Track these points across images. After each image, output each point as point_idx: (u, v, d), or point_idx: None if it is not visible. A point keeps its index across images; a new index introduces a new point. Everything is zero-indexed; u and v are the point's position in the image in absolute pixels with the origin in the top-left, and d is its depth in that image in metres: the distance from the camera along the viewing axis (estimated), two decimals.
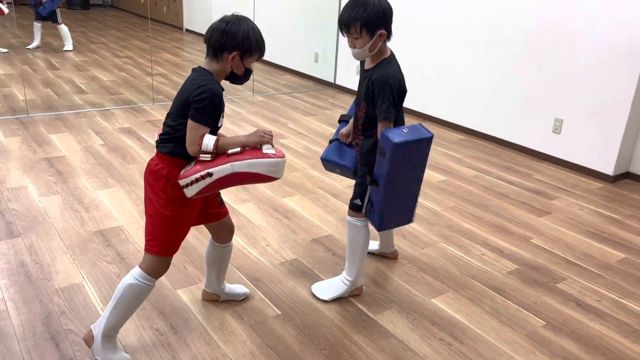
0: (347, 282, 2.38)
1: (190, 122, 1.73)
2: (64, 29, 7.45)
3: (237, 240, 2.85)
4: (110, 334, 1.92)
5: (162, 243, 1.85)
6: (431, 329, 2.24)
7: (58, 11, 7.27)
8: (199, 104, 1.72)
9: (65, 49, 7.53)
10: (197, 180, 1.74)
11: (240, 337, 2.12)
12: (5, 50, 7.07)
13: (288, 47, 7.15)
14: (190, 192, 1.77)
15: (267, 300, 2.36)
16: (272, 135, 1.82)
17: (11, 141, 4.05)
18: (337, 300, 2.39)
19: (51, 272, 2.45)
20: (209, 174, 1.73)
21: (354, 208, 2.30)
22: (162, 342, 2.05)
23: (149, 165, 1.86)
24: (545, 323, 2.33)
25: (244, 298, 2.35)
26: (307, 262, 2.69)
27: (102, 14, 11.80)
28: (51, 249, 2.63)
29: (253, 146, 1.78)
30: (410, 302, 2.42)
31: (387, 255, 2.77)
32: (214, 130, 1.81)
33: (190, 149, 1.75)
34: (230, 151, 1.74)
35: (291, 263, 2.67)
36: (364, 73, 2.21)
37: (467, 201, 3.52)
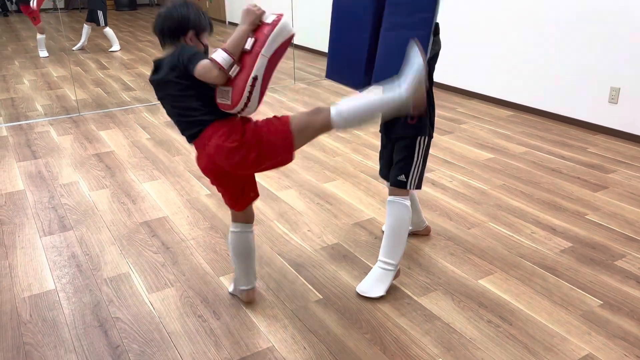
0: (392, 268, 2.25)
1: (196, 72, 1.72)
2: (109, 31, 7.67)
3: (278, 226, 2.85)
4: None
5: (290, 135, 1.83)
6: (478, 311, 2.16)
7: (101, 14, 7.48)
8: (185, 55, 1.73)
9: (112, 49, 7.76)
10: (250, 92, 1.73)
11: (282, 322, 2.11)
12: (47, 54, 7.34)
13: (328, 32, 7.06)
14: (252, 105, 1.76)
15: (309, 285, 2.34)
16: (256, 5, 1.79)
17: (64, 139, 4.21)
18: None
19: (100, 263, 2.53)
20: (255, 78, 1.72)
21: (399, 185, 2.21)
22: (204, 329, 2.08)
23: (202, 155, 1.87)
24: (602, 302, 2.20)
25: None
26: (348, 246, 2.65)
27: (149, 13, 12.09)
28: (100, 241, 2.72)
29: (255, 25, 1.75)
30: (456, 283, 2.34)
31: (420, 233, 2.69)
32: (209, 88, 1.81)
33: (217, 79, 1.71)
34: (247, 46, 1.72)
35: (332, 247, 2.64)
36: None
37: (516, 179, 3.37)
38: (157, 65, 1.85)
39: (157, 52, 7.75)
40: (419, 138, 2.17)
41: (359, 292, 2.26)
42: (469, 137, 4.09)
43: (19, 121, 4.66)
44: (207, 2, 10.47)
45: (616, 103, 4.00)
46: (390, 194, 2.25)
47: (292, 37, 1.78)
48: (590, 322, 2.09)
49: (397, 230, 2.23)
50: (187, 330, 2.07)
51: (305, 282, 2.37)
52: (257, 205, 3.08)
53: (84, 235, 2.77)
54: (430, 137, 2.22)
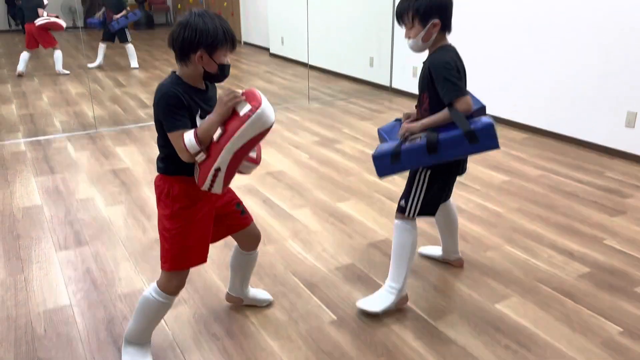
0: (394, 291, 2.24)
1: (168, 135, 1.67)
2: (131, 47, 7.81)
3: (292, 245, 2.84)
4: (131, 339, 1.94)
5: (171, 258, 1.82)
6: (495, 336, 2.13)
7: (127, 31, 7.64)
8: (160, 112, 1.66)
9: (132, 66, 7.88)
10: (213, 179, 1.68)
11: (295, 342, 2.09)
12: (67, 72, 7.47)
13: (342, 53, 7.14)
14: (217, 189, 1.71)
15: (323, 306, 2.32)
16: (234, 92, 1.64)
17: (81, 155, 4.26)
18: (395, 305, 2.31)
19: (114, 279, 2.53)
20: (218, 169, 1.66)
21: (399, 209, 2.23)
22: (218, 347, 2.06)
23: (154, 182, 1.85)
24: (622, 330, 2.16)
25: (268, 304, 2.32)
26: (363, 266, 2.63)
27: (166, 32, 12.25)
28: (115, 257, 2.73)
29: (228, 115, 1.64)
30: (473, 307, 2.31)
31: (451, 263, 2.64)
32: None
33: (182, 156, 1.67)
34: (215, 136, 1.63)
35: (347, 268, 2.62)
36: (423, 65, 2.15)
37: (532, 202, 3.34)
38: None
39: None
40: (420, 168, 2.17)
41: (357, 304, 2.28)
42: (483, 159, 4.07)
43: (37, 136, 4.72)
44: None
45: (633, 127, 3.97)
46: (395, 217, 2.26)
47: (268, 129, 1.64)
48: (611, 349, 2.04)
49: (397, 253, 2.22)
50: (201, 349, 2.06)
51: (319, 302, 2.35)
52: (271, 223, 3.07)
53: (99, 251, 2.78)
54: (437, 171, 2.14)
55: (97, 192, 3.54)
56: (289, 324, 2.20)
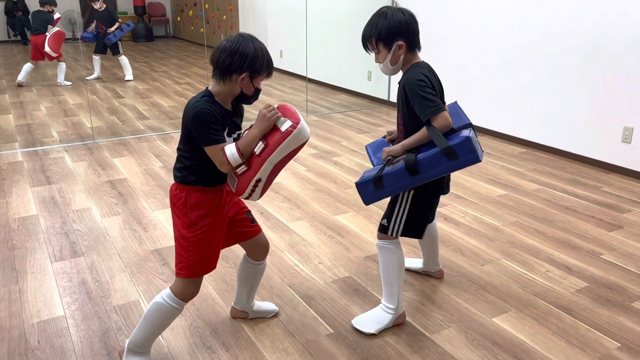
0: (391, 311, 2.22)
1: (205, 149, 1.74)
2: (124, 59, 7.81)
3: (289, 257, 2.83)
4: (134, 347, 1.93)
5: (188, 266, 1.86)
6: (493, 350, 2.11)
7: (119, 43, 7.65)
8: (197, 129, 1.72)
9: (126, 79, 7.89)
10: (253, 189, 1.76)
11: (292, 355, 2.08)
12: (70, 83, 7.49)
13: (341, 67, 7.18)
14: (255, 197, 1.79)
15: (320, 319, 2.31)
16: (274, 108, 1.75)
17: (78, 166, 4.25)
18: None
19: (110, 290, 2.51)
20: (258, 180, 1.74)
21: (381, 228, 2.19)
22: None
23: (170, 190, 1.90)
24: (620, 345, 2.15)
25: (273, 315, 2.32)
26: (360, 279, 2.62)
27: (165, 44, 12.35)
28: (110, 268, 2.71)
29: (269, 130, 1.74)
30: (470, 321, 2.30)
31: (431, 275, 2.63)
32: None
33: (222, 168, 1.76)
34: (257, 150, 1.72)
35: (344, 281, 2.61)
36: (398, 85, 2.12)
37: (529, 216, 3.35)
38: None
39: (172, 82, 7.89)
40: None
41: (352, 323, 2.25)
42: (480, 172, 4.08)
43: (34, 147, 4.72)
44: (222, 36, 10.70)
45: (629, 143, 3.99)
46: (377, 238, 2.23)
47: (304, 143, 1.76)
48: None
49: (386, 274, 2.21)
50: None
51: (316, 315, 2.34)
52: (269, 235, 3.06)
53: (95, 262, 2.77)
54: (419, 191, 2.10)
55: (94, 203, 3.52)
56: (285, 337, 2.18)
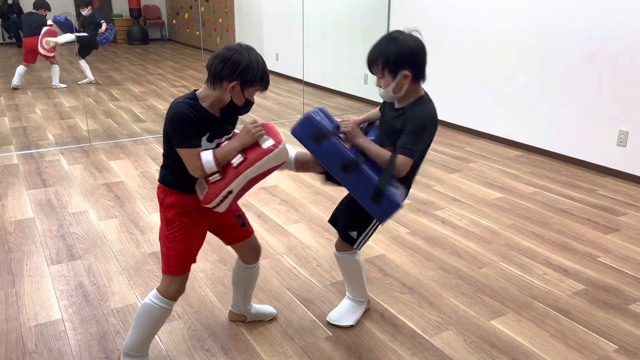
0: (362, 304, 2.33)
1: (178, 150, 1.73)
2: (83, 63, 7.67)
3: (287, 260, 2.83)
4: (130, 352, 1.93)
5: (167, 262, 1.87)
6: (491, 352, 2.12)
7: (85, 49, 7.63)
8: (172, 130, 1.72)
9: (83, 82, 7.70)
10: (222, 200, 1.76)
11: (291, 358, 2.07)
12: (65, 85, 7.45)
13: (337, 70, 7.19)
14: (221, 209, 1.79)
15: (318, 321, 2.31)
16: (260, 124, 1.77)
17: (74, 169, 4.23)
18: (390, 321, 2.31)
19: (107, 293, 2.50)
20: (229, 192, 1.74)
21: (349, 240, 2.14)
22: None
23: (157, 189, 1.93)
24: (617, 347, 2.16)
25: (272, 318, 2.32)
26: None
27: (160, 47, 12.34)
28: (108, 271, 2.70)
29: (250, 145, 1.75)
30: (468, 323, 2.31)
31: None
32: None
33: (194, 173, 1.74)
34: (235, 162, 1.73)
35: (342, 284, 2.61)
36: (392, 112, 1.97)
37: (526, 218, 3.36)
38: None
39: (168, 85, 7.87)
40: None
41: (329, 320, 2.29)
42: (477, 175, 4.09)
43: (30, 150, 4.70)
44: (218, 39, 10.70)
45: (624, 146, 4.02)
46: (337, 248, 2.21)
47: (282, 164, 1.80)
48: None
49: (352, 278, 2.29)
50: None
51: (314, 318, 2.34)
52: (266, 238, 3.06)
53: (92, 265, 2.76)
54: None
55: (90, 205, 3.51)
56: (283, 340, 2.18)
